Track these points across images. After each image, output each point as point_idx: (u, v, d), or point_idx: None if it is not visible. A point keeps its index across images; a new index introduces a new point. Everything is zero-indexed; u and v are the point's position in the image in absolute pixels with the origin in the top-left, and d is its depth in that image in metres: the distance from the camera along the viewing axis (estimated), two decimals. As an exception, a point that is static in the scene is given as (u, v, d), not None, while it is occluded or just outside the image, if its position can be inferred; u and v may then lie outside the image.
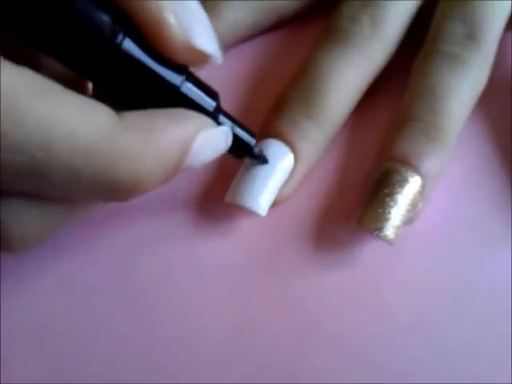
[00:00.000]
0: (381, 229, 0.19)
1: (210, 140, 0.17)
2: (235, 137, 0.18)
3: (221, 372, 0.19)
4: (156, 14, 0.15)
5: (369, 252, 0.21)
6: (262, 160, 0.20)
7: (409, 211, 0.20)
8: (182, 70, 0.16)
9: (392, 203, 0.19)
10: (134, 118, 0.15)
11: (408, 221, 0.20)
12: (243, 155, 0.19)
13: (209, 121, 0.17)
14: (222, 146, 0.18)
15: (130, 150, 0.14)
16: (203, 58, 0.16)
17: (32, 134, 0.13)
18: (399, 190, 0.19)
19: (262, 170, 0.20)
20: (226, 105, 0.18)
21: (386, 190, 0.19)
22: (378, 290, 0.20)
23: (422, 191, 0.20)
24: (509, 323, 0.20)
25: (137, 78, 0.15)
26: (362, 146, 0.23)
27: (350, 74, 0.21)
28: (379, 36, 0.21)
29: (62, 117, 0.13)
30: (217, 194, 0.21)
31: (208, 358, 0.19)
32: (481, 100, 0.21)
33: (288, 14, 0.24)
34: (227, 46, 0.24)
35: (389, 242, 0.19)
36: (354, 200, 0.21)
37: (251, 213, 0.20)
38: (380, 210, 0.19)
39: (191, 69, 0.17)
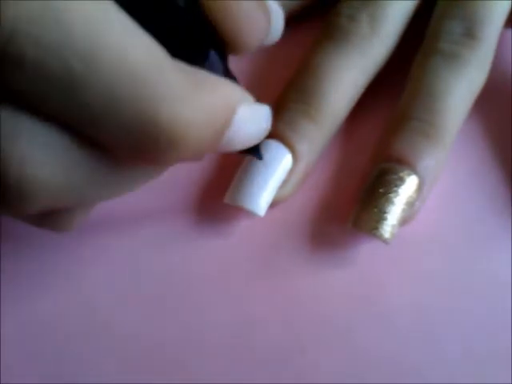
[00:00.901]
0: (376, 228, 0.19)
1: (252, 115, 0.15)
2: None
3: (221, 372, 0.19)
4: None
5: (369, 252, 0.21)
6: (259, 155, 0.19)
7: (405, 211, 0.19)
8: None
9: (388, 203, 0.19)
10: (185, 64, 0.13)
11: (405, 220, 0.20)
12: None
13: (250, 96, 0.15)
14: (263, 126, 0.16)
15: (179, 91, 0.12)
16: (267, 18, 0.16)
17: (75, 40, 0.11)
18: (395, 189, 0.19)
19: (260, 171, 0.20)
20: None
21: (381, 190, 0.19)
22: (378, 290, 0.20)
23: (419, 190, 0.20)
24: (509, 323, 0.20)
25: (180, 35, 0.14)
26: (361, 146, 0.22)
27: (349, 73, 0.21)
28: (378, 35, 0.21)
29: (112, 30, 0.11)
30: (216, 194, 0.21)
31: (208, 358, 0.19)
32: (481, 100, 0.21)
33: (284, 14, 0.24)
34: None
35: (384, 241, 0.19)
36: (354, 200, 0.21)
37: (250, 213, 0.20)
38: (376, 210, 0.19)
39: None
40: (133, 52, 0.12)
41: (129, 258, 0.21)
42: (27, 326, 0.20)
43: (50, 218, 0.16)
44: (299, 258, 0.21)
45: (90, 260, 0.21)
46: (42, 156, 0.12)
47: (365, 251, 0.21)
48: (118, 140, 0.13)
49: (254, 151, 0.19)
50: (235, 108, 0.14)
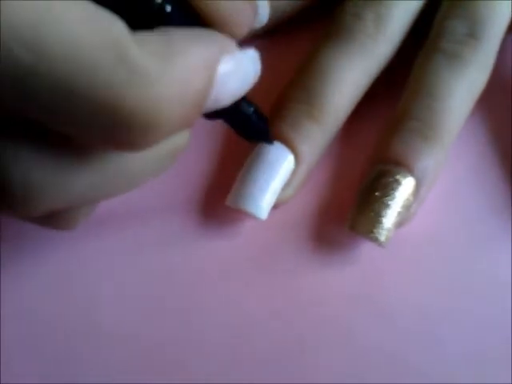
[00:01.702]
0: (372, 232, 0.19)
1: (237, 66, 0.14)
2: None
3: (221, 372, 0.19)
4: None
5: (369, 252, 0.21)
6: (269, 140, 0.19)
7: (401, 214, 0.19)
8: None
9: (384, 206, 0.19)
10: (151, 36, 0.12)
11: (401, 223, 0.20)
12: (257, 134, 0.18)
13: (232, 43, 0.14)
14: (250, 75, 0.15)
15: (145, 70, 0.11)
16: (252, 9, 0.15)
17: (18, 29, 0.10)
18: (391, 192, 0.19)
19: (262, 173, 0.20)
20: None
21: (378, 193, 0.19)
22: (379, 290, 0.20)
23: (416, 192, 0.20)
24: (509, 324, 0.20)
25: None
26: (361, 147, 0.22)
27: (352, 73, 0.21)
28: (383, 34, 0.21)
29: (60, 16, 0.11)
30: (218, 195, 0.21)
31: (208, 358, 0.19)
32: (481, 97, 0.21)
33: (283, 15, 0.24)
34: None
35: (380, 244, 0.19)
36: (354, 201, 0.21)
37: (252, 216, 0.20)
38: (372, 214, 0.19)
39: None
40: (85, 38, 0.11)
41: (129, 257, 0.21)
42: (27, 326, 0.20)
43: (53, 218, 0.16)
44: (300, 259, 0.21)
45: (90, 260, 0.21)
46: (42, 162, 0.13)
47: (365, 252, 0.21)
48: (86, 132, 0.12)
49: (264, 137, 0.19)
50: (215, 66, 0.13)
